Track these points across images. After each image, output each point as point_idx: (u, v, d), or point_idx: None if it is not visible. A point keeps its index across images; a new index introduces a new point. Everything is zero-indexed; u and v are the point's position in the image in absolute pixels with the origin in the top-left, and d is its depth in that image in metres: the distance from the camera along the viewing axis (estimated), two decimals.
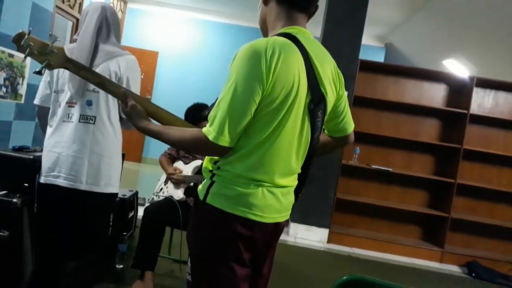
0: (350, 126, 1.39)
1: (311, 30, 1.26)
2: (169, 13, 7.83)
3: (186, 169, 2.77)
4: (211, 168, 1.17)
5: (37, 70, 1.35)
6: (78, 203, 1.72)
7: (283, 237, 4.05)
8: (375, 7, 4.96)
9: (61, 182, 1.67)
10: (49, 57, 1.23)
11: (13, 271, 1.76)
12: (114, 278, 2.47)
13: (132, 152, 7.20)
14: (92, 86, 1.66)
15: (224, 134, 1.06)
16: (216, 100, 1.12)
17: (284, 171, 1.18)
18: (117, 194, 1.85)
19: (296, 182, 1.27)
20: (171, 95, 7.67)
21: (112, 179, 1.76)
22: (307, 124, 1.18)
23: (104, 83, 1.31)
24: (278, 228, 1.24)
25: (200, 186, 1.20)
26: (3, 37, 4.53)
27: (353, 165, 4.28)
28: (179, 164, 2.83)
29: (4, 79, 4.65)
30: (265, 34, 1.28)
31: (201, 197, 1.17)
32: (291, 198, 1.26)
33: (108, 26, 1.78)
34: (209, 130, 1.07)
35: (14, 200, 1.94)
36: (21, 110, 5.01)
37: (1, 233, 1.78)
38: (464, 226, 4.34)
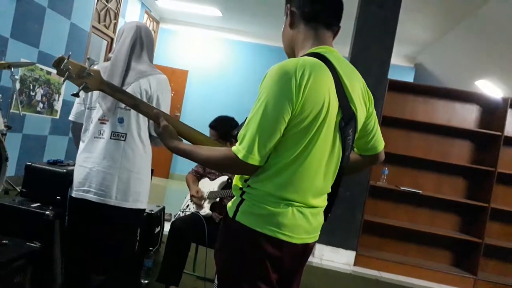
0: (380, 144, 1.38)
1: (339, 50, 1.27)
2: (199, 33, 8.03)
3: (212, 185, 2.79)
4: (241, 186, 1.18)
5: (75, 92, 1.43)
6: (107, 218, 1.75)
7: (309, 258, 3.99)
8: (405, 26, 4.93)
9: (91, 197, 1.71)
10: (86, 80, 1.30)
11: (43, 282, 1.80)
12: None
13: (160, 168, 7.32)
14: (124, 104, 1.71)
15: (254, 152, 1.07)
16: (245, 119, 1.14)
17: (314, 191, 1.18)
18: (144, 209, 1.88)
19: (326, 203, 1.26)
20: (200, 113, 7.78)
21: (140, 195, 1.79)
22: (338, 143, 1.18)
23: (138, 105, 1.37)
24: (306, 249, 1.23)
25: (229, 203, 1.21)
26: (42, 55, 4.75)
27: (382, 186, 4.20)
28: (205, 181, 2.85)
29: (42, 95, 4.86)
30: (291, 56, 1.29)
31: (230, 214, 1.17)
32: (321, 219, 1.24)
33: (142, 45, 1.84)
34: (238, 149, 1.09)
35: (46, 212, 2.00)
36: (56, 125, 5.21)
37: (33, 244, 1.83)
38: (499, 253, 4.15)
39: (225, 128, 2.62)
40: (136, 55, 1.82)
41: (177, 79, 7.77)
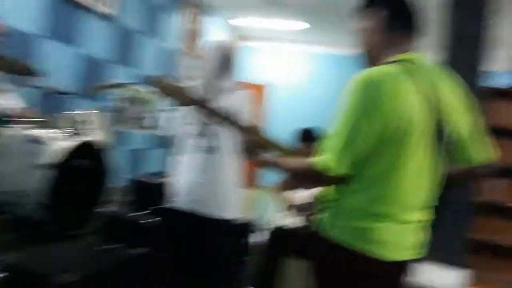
0: (480, 155, 1.23)
1: (429, 56, 1.18)
2: (281, 48, 8.13)
3: (302, 197, 2.75)
4: (329, 199, 1.15)
5: (169, 109, 1.55)
6: (202, 228, 1.83)
7: (410, 277, 3.74)
8: (503, 27, 4.47)
9: (187, 208, 1.81)
10: (183, 97, 1.38)
11: (149, 286, 1.91)
12: None
13: (248, 179, 7.48)
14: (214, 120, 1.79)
15: (341, 163, 1.04)
16: (329, 132, 1.11)
17: (409, 204, 1.10)
18: (238, 220, 1.94)
19: (425, 217, 1.17)
20: (282, 126, 7.81)
21: (233, 206, 1.86)
22: (432, 153, 1.10)
23: (228, 120, 1.42)
24: (403, 267, 1.16)
25: (318, 217, 1.18)
26: (139, 76, 5.22)
27: (493, 202, 3.78)
28: (293, 193, 2.83)
29: (142, 113, 5.31)
30: (371, 62, 1.21)
31: (319, 229, 1.14)
32: (420, 235, 1.16)
33: (225, 63, 1.94)
34: (323, 161, 1.06)
35: (149, 220, 2.14)
36: (156, 140, 5.64)
37: (139, 251, 1.96)
38: None
39: (310, 140, 2.61)
40: (219, 73, 1.93)
41: (258, 94, 7.93)
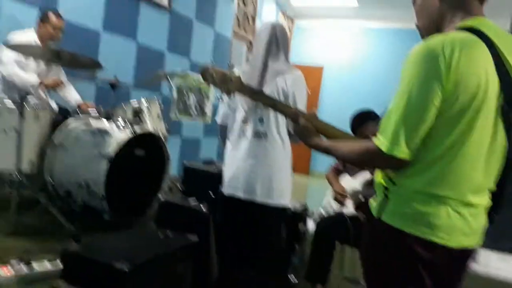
0: None
1: (498, 22, 1.06)
2: (334, 26, 7.91)
3: (354, 182, 2.68)
4: (385, 184, 1.08)
5: (219, 97, 1.54)
6: (254, 214, 1.83)
7: (471, 266, 3.55)
8: None
9: (239, 194, 1.81)
10: (228, 85, 1.36)
11: (201, 273, 1.97)
12: None
13: (300, 165, 7.44)
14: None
15: (400, 144, 0.96)
16: (386, 110, 1.04)
17: (472, 187, 1.01)
18: (288, 206, 1.92)
19: (489, 201, 1.07)
20: (337, 108, 7.66)
21: (283, 192, 1.84)
22: (500, 130, 0.99)
23: (276, 105, 1.41)
24: (465, 254, 1.07)
25: (373, 203, 1.12)
26: (193, 64, 5.28)
27: None
28: (346, 177, 2.76)
29: (194, 102, 5.41)
30: (432, 33, 1.08)
31: (375, 214, 1.08)
32: (482, 220, 1.07)
33: (278, 44, 1.89)
34: (381, 141, 0.99)
35: (202, 208, 2.19)
36: (208, 128, 5.74)
37: (192, 238, 2.02)
38: None
39: (368, 122, 2.50)
40: (272, 55, 1.87)
41: (312, 76, 7.78)
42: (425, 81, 0.95)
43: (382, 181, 1.09)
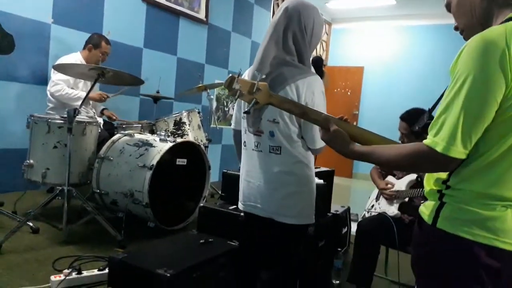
0: None
1: None
2: (371, 26, 7.77)
3: (399, 184, 2.59)
4: (438, 188, 1.01)
5: (246, 110, 1.42)
6: (271, 232, 1.66)
7: None
8: None
9: (257, 211, 1.66)
10: (256, 96, 1.28)
11: (244, 278, 1.97)
12: None
13: (342, 168, 7.31)
14: (271, 117, 1.58)
15: (456, 143, 0.90)
16: (432, 107, 0.98)
17: None
18: (309, 224, 1.68)
19: None
20: (379, 108, 7.49)
21: (303, 209, 1.63)
22: None
23: (307, 113, 1.29)
24: None
25: (423, 208, 1.05)
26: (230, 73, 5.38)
27: None
28: (390, 179, 2.68)
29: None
30: (474, 30, 1.00)
31: (428, 221, 1.01)
32: None
33: (291, 34, 1.60)
34: (435, 141, 0.92)
35: (241, 214, 2.21)
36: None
37: (232, 243, 2.04)
38: None
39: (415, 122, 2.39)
40: (284, 51, 1.57)
41: (352, 76, 7.66)
42: (487, 75, 0.88)
43: (435, 186, 1.03)
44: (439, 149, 0.91)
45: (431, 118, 1.04)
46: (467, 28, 1.08)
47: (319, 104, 1.56)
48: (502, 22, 0.97)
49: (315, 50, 4.21)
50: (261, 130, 1.60)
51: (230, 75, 1.26)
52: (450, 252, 0.98)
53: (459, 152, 0.91)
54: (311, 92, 1.54)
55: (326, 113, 1.29)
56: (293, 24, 1.56)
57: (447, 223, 0.97)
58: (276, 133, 1.58)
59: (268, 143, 1.60)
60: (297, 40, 1.56)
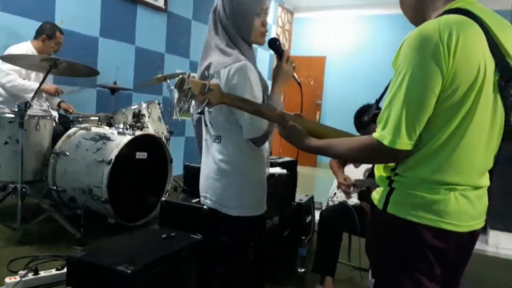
0: None
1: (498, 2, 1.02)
2: (333, 16, 7.85)
3: (358, 172, 2.65)
4: (387, 175, 1.05)
5: (199, 111, 1.41)
6: (213, 223, 1.67)
7: (481, 247, 3.52)
8: None
9: (205, 202, 1.65)
10: (208, 96, 1.24)
11: (206, 272, 1.95)
12: (295, 281, 2.54)
13: (307, 157, 7.40)
14: (209, 107, 1.44)
15: (401, 136, 0.94)
16: (380, 97, 1.01)
17: (478, 169, 1.00)
18: (259, 216, 1.62)
19: (489, 181, 1.06)
20: (342, 97, 7.61)
21: (245, 200, 1.57)
22: (499, 106, 0.98)
23: (261, 110, 1.28)
24: (473, 237, 1.05)
25: (375, 194, 1.09)
26: (193, 64, 5.27)
27: None
28: (350, 168, 2.73)
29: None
30: (418, 23, 1.03)
31: (379, 206, 1.05)
32: (486, 200, 1.06)
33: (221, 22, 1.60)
34: (382, 135, 0.96)
35: (204, 207, 2.18)
36: None
37: (195, 236, 2.01)
38: None
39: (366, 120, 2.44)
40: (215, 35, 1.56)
41: (315, 66, 7.72)
42: (424, 69, 0.92)
43: (384, 173, 1.06)
44: (386, 142, 0.95)
45: (379, 108, 1.07)
46: (415, 24, 1.12)
47: (245, 89, 1.44)
48: (437, 16, 1.00)
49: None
50: (206, 122, 1.60)
51: (180, 76, 1.22)
52: (399, 236, 1.02)
53: (405, 143, 0.94)
54: (230, 80, 1.44)
55: (262, 103, 1.28)
56: (219, 6, 1.55)
57: (397, 208, 1.01)
58: (215, 123, 1.55)
59: (211, 133, 1.58)
60: (224, 23, 1.54)
